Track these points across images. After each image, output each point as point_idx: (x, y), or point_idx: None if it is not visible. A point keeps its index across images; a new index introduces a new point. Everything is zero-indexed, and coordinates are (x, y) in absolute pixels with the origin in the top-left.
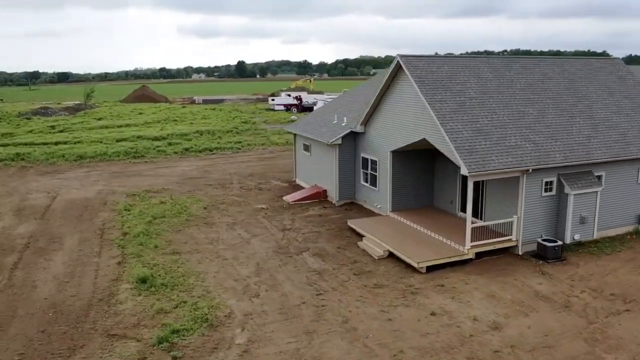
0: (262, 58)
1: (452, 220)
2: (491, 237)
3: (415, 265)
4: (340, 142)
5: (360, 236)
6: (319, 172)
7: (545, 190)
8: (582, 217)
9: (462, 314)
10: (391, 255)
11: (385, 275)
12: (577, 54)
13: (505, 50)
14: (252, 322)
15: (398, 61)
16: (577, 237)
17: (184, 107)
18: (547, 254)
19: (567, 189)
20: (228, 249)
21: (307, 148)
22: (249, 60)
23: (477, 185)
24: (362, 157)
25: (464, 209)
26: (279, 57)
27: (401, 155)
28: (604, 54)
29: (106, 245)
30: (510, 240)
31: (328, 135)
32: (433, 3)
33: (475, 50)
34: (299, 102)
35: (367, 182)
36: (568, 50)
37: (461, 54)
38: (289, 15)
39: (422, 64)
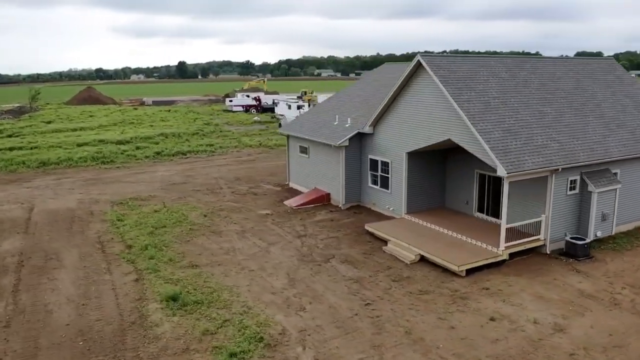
0: (202, 58)
1: (470, 221)
2: (517, 238)
3: (456, 269)
4: (348, 144)
5: (381, 240)
6: (320, 174)
7: (570, 189)
8: (604, 214)
9: (521, 317)
10: (422, 259)
11: (425, 281)
12: (513, 54)
13: (445, 51)
14: (310, 338)
15: (418, 60)
16: (599, 234)
17: (135, 109)
18: (577, 252)
19: (590, 187)
20: (249, 259)
21: (304, 150)
22: (190, 60)
23: (498, 185)
24: (371, 159)
25: (481, 210)
26: (219, 57)
27: (415, 157)
28: (537, 55)
29: (113, 260)
30: (538, 239)
31: (332, 136)
32: (372, 4)
33: (416, 50)
34: (258, 102)
35: (376, 184)
36: (504, 51)
37: (402, 54)
38: (228, 15)
39: (444, 63)
